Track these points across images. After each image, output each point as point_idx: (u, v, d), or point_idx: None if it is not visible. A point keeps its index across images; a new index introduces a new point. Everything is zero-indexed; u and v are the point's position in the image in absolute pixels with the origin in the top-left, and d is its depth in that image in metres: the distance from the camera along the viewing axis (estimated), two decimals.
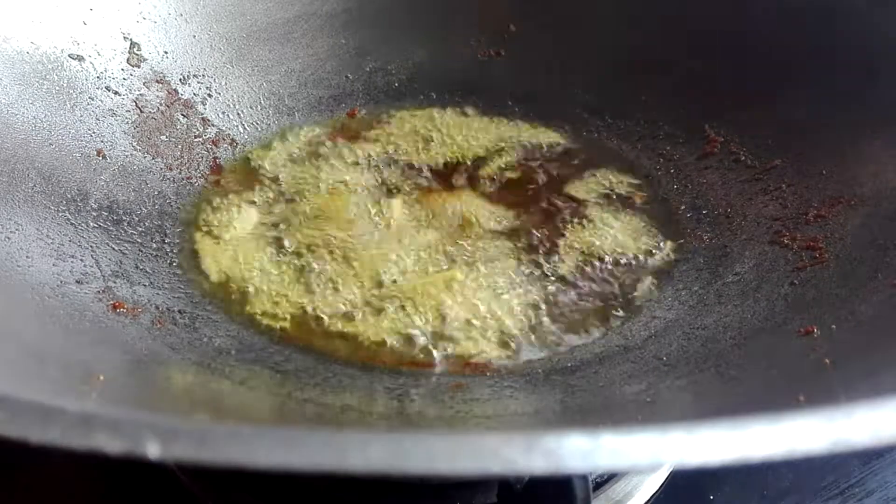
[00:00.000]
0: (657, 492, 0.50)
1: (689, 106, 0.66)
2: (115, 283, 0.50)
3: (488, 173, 0.63)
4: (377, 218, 0.58)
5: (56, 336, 0.43)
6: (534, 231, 0.58)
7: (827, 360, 0.41)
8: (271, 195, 0.61)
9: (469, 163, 0.65)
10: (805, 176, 0.57)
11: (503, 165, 0.64)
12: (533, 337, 0.50)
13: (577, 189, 0.62)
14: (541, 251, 0.56)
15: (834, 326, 0.44)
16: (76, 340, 0.43)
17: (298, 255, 0.55)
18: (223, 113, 0.68)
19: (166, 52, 0.67)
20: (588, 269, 0.55)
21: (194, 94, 0.67)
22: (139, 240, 0.56)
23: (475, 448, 0.21)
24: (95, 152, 0.59)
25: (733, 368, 0.44)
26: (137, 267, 0.53)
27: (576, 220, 0.59)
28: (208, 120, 0.67)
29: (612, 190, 0.62)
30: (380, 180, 0.62)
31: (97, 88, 0.62)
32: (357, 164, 0.64)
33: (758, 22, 0.65)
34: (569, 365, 0.48)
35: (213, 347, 0.48)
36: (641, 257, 0.56)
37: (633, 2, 0.70)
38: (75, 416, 0.22)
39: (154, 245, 0.56)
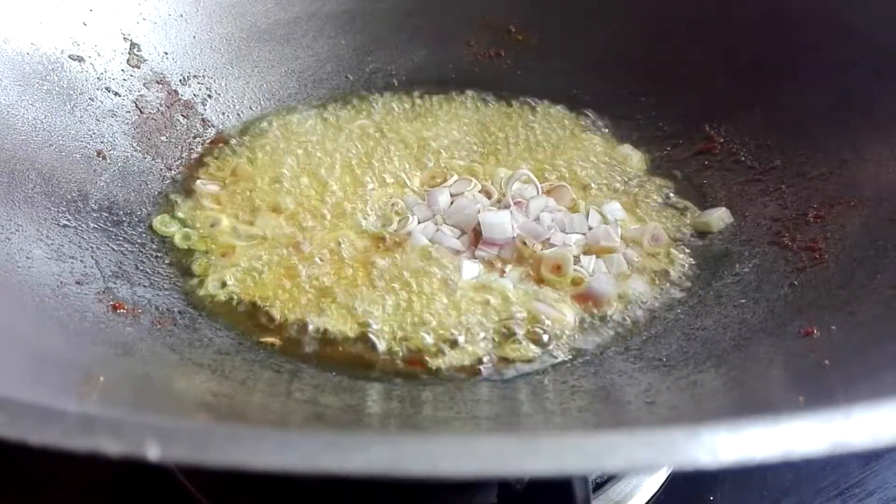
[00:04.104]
0: (657, 492, 0.50)
1: (689, 106, 0.66)
2: (115, 283, 0.50)
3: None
4: (394, 218, 0.58)
5: (56, 337, 0.43)
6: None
7: (826, 360, 0.41)
8: (271, 195, 0.61)
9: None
10: (805, 177, 0.58)
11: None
12: (532, 337, 0.50)
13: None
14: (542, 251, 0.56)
15: (834, 327, 0.44)
16: (76, 341, 0.44)
17: (302, 256, 0.55)
18: (223, 114, 0.68)
19: (166, 53, 0.67)
20: (587, 269, 0.55)
21: (194, 94, 0.67)
22: (139, 241, 0.56)
23: (476, 450, 0.21)
24: (95, 153, 0.59)
25: (733, 369, 0.44)
26: (138, 268, 0.53)
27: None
28: (208, 121, 0.67)
29: (612, 190, 0.62)
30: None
31: (97, 89, 0.62)
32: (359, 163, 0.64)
33: (759, 23, 0.65)
34: (569, 365, 0.48)
35: (214, 348, 0.48)
36: (641, 258, 0.56)
37: (634, 3, 0.71)
38: (76, 418, 0.22)
39: (154, 246, 0.56)
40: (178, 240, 0.56)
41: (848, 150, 0.56)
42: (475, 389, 0.46)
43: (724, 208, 0.59)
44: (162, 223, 0.57)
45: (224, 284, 0.53)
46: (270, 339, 0.49)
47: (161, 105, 0.65)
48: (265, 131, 0.67)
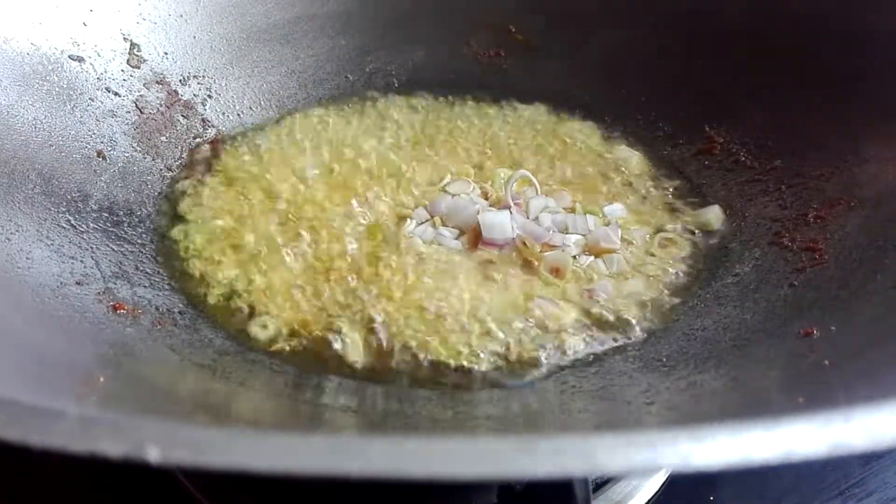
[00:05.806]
0: (657, 493, 0.50)
1: (689, 106, 0.66)
2: (115, 284, 0.50)
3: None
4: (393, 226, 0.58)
5: (56, 337, 0.43)
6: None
7: (826, 361, 0.41)
8: (271, 198, 0.61)
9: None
10: (805, 177, 0.58)
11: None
12: (532, 339, 0.50)
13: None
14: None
15: (833, 328, 0.44)
16: (76, 342, 0.44)
17: (300, 257, 0.55)
18: (223, 114, 0.68)
19: (166, 53, 0.67)
20: (586, 269, 0.55)
21: (194, 94, 0.67)
22: (139, 241, 0.56)
23: (476, 452, 0.21)
24: (96, 153, 0.59)
25: (733, 369, 0.44)
26: (138, 268, 0.53)
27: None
28: (208, 121, 0.67)
29: (612, 191, 0.62)
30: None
31: (97, 89, 0.62)
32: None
33: (758, 24, 0.65)
34: (569, 365, 0.48)
35: (214, 348, 0.48)
36: (641, 258, 0.56)
37: (634, 3, 0.71)
38: (76, 420, 0.22)
39: (154, 246, 0.56)
40: (178, 240, 0.56)
41: (848, 150, 0.56)
42: (475, 390, 0.46)
43: (716, 205, 0.59)
44: (179, 233, 0.57)
45: (224, 288, 0.53)
46: (275, 348, 0.49)
47: (161, 105, 0.65)
48: (265, 131, 0.67)
